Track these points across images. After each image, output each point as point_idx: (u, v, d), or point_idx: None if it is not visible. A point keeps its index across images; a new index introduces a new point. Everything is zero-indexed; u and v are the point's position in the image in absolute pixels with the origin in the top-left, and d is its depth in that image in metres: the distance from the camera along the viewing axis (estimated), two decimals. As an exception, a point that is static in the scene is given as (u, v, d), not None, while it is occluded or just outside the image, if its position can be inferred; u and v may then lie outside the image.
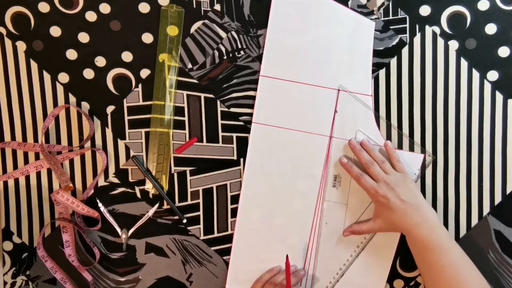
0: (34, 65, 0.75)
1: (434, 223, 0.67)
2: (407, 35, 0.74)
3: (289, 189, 0.75)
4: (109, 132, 0.76)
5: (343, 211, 0.75)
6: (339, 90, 0.74)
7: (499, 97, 0.74)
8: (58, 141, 0.76)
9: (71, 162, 0.76)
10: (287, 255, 0.73)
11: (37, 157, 0.76)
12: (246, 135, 0.76)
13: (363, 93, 0.74)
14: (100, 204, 0.76)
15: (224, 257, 0.77)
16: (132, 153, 0.76)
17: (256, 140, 0.76)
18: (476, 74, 0.74)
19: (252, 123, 0.75)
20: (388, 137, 0.75)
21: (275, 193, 0.76)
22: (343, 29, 0.74)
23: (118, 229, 0.77)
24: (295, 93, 0.75)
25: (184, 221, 0.77)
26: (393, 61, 0.75)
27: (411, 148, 0.75)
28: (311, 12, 0.74)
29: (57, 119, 0.76)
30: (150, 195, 0.77)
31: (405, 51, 0.74)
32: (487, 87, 0.74)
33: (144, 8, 0.75)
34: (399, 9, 0.74)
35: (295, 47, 0.74)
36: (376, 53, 0.74)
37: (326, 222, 0.75)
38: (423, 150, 0.75)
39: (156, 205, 0.76)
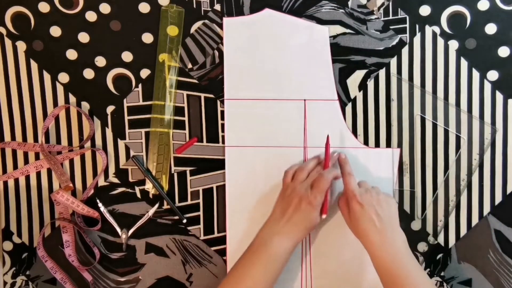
0: (34, 65, 0.75)
1: (399, 249, 0.64)
2: (407, 35, 0.74)
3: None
4: (109, 132, 0.76)
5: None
6: (305, 100, 0.74)
7: (499, 97, 0.74)
8: (58, 141, 0.76)
9: (71, 162, 0.76)
10: (328, 135, 0.72)
11: (37, 157, 0.76)
12: (246, 135, 0.76)
13: (329, 98, 0.74)
14: (100, 204, 0.76)
15: (224, 257, 0.77)
16: (132, 153, 0.76)
17: (233, 164, 0.75)
18: (476, 74, 0.74)
19: (225, 147, 0.75)
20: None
21: (261, 210, 0.74)
22: (297, 39, 0.74)
23: (118, 229, 0.77)
24: (263, 110, 0.75)
25: (184, 221, 0.77)
26: (393, 61, 0.75)
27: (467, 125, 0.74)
28: (263, 28, 0.74)
29: (57, 119, 0.76)
30: (150, 195, 0.77)
31: (405, 51, 0.74)
32: (487, 87, 0.74)
33: (144, 8, 0.75)
34: (399, 9, 0.74)
35: (254, 65, 0.75)
36: (376, 53, 0.74)
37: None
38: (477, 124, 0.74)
39: (156, 205, 0.76)
